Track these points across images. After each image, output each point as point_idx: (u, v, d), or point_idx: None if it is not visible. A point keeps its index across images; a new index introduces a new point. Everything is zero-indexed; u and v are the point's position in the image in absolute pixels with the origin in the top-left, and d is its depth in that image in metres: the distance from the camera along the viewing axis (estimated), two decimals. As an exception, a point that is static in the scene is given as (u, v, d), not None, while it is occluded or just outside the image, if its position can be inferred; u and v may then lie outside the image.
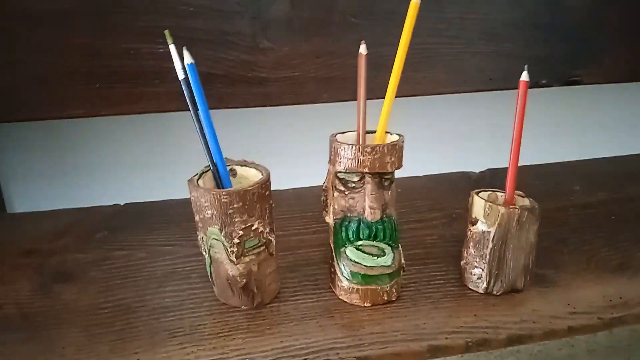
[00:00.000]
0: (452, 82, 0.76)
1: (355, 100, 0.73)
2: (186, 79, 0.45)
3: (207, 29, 0.66)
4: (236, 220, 0.43)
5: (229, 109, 0.70)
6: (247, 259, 0.44)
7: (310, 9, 0.68)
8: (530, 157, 0.74)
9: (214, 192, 0.42)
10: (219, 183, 0.46)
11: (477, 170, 0.78)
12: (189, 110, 0.45)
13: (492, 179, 0.74)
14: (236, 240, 0.43)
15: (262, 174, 0.46)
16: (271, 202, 0.45)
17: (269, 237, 0.45)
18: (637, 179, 0.73)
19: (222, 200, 0.42)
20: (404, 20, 0.70)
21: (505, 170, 0.77)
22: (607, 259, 0.53)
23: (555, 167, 0.77)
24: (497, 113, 0.89)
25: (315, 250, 0.56)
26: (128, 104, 0.67)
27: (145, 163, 0.79)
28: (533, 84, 0.78)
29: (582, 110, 0.90)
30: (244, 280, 0.45)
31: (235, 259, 0.44)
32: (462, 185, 0.72)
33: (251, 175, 0.48)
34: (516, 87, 0.78)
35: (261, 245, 0.45)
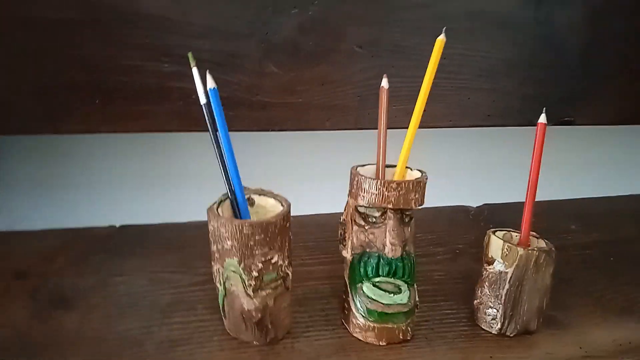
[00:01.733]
0: (450, 116, 0.77)
1: (357, 129, 0.74)
2: (208, 103, 0.44)
3: (213, 50, 0.65)
4: (256, 252, 0.41)
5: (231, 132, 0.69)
6: (264, 293, 0.43)
7: (318, 36, 0.68)
8: (524, 193, 0.75)
9: (236, 223, 0.41)
10: (237, 213, 0.44)
11: (472, 204, 0.78)
12: (209, 134, 0.44)
13: (490, 214, 0.75)
14: (255, 274, 0.42)
15: (282, 205, 0.45)
16: (290, 234, 0.44)
17: (287, 271, 0.44)
18: (631, 220, 0.75)
19: (244, 231, 0.41)
20: (409, 52, 0.72)
21: (503, 205, 0.79)
22: (613, 302, 0.54)
23: (549, 205, 0.79)
24: (492, 148, 0.91)
25: (323, 283, 0.55)
26: (128, 122, 0.65)
27: (140, 183, 0.77)
28: (527, 122, 0.81)
29: (575, 150, 0.93)
30: (259, 315, 0.43)
31: (252, 293, 0.43)
32: (460, 219, 0.73)
33: (269, 205, 0.47)
34: (512, 125, 0.81)
35: (279, 279, 0.44)
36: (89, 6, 0.59)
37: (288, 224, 0.43)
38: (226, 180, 0.44)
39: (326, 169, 0.82)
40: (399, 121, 0.72)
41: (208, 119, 0.44)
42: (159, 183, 0.77)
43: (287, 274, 0.44)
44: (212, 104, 0.44)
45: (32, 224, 0.66)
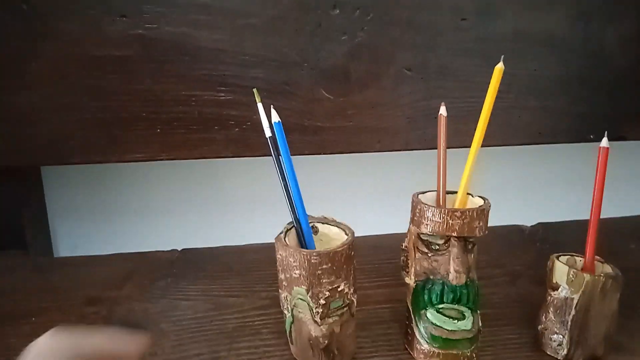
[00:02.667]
0: (500, 135, 0.76)
1: (407, 150, 0.75)
2: (273, 136, 0.45)
3: (267, 79, 0.67)
4: (324, 281, 0.43)
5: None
6: (330, 320, 0.44)
7: (368, 61, 0.69)
8: (580, 212, 0.74)
9: (305, 253, 0.42)
10: (303, 242, 0.46)
11: (526, 223, 0.78)
12: (274, 164, 0.45)
13: (545, 234, 0.74)
14: (322, 302, 0.43)
15: (346, 233, 0.46)
16: (355, 262, 0.45)
17: (352, 298, 0.45)
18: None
19: (312, 260, 0.42)
20: (456, 74, 0.72)
21: (558, 224, 0.78)
22: (679, 326, 0.53)
23: (607, 224, 0.77)
24: (543, 165, 0.90)
25: (383, 307, 0.55)
26: (187, 149, 0.68)
27: (198, 208, 0.79)
28: (580, 139, 0.80)
29: (629, 165, 0.91)
30: (326, 341, 0.44)
31: (319, 320, 0.44)
32: (515, 240, 0.72)
33: (332, 234, 0.48)
34: (562, 142, 0.80)
35: (345, 307, 0.45)
36: (147, 43, 0.62)
37: (353, 253, 0.44)
38: (292, 210, 0.46)
39: (376, 190, 0.83)
40: (449, 142, 0.73)
41: (273, 151, 0.45)
42: (216, 207, 0.79)
43: (352, 301, 0.45)
44: (276, 137, 0.45)
45: (90, 251, 0.69)
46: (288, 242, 0.45)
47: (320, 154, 0.72)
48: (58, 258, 0.73)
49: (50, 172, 0.76)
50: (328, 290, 0.43)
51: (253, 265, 0.63)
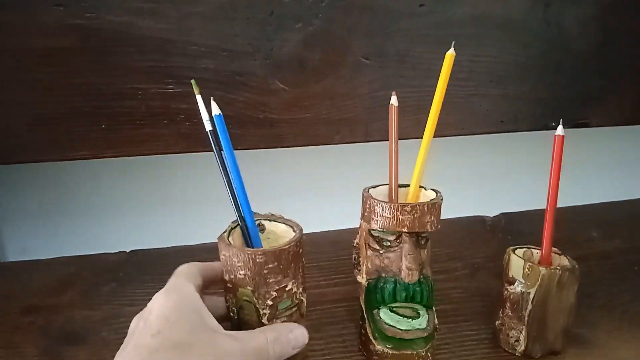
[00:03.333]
0: (462, 124, 0.75)
1: (367, 141, 0.73)
2: (214, 130, 0.42)
3: (218, 70, 0.64)
4: (270, 281, 0.40)
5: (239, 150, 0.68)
6: (279, 322, 0.42)
7: (323, 50, 0.67)
8: (544, 201, 0.73)
9: (249, 252, 0.39)
10: (249, 241, 0.43)
11: (487, 214, 0.76)
12: (216, 162, 0.43)
13: (507, 224, 0.73)
14: (269, 302, 0.41)
15: (294, 230, 0.44)
16: (304, 260, 0.43)
17: (301, 297, 0.43)
18: (653, 225, 0.72)
19: (257, 260, 0.39)
20: (416, 62, 0.70)
21: (520, 214, 0.77)
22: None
23: (568, 212, 0.76)
24: (504, 155, 0.89)
25: (338, 306, 0.53)
26: (134, 146, 0.64)
27: (148, 207, 0.76)
28: (542, 126, 0.79)
29: (591, 153, 0.91)
30: None
31: (267, 322, 0.41)
32: (477, 231, 0.71)
33: (280, 231, 0.45)
34: (526, 130, 0.79)
35: (294, 307, 0.42)
36: (86, 33, 0.58)
37: (301, 250, 0.42)
38: (236, 208, 0.43)
39: (336, 184, 0.81)
40: (409, 131, 0.70)
41: (215, 147, 0.42)
42: (167, 206, 0.76)
43: (302, 301, 0.43)
44: (218, 131, 0.42)
45: (40, 253, 0.66)
46: (232, 242, 0.42)
47: (276, 147, 0.69)
48: (1, 263, 0.69)
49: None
50: (275, 291, 0.41)
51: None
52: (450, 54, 0.43)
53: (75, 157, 0.63)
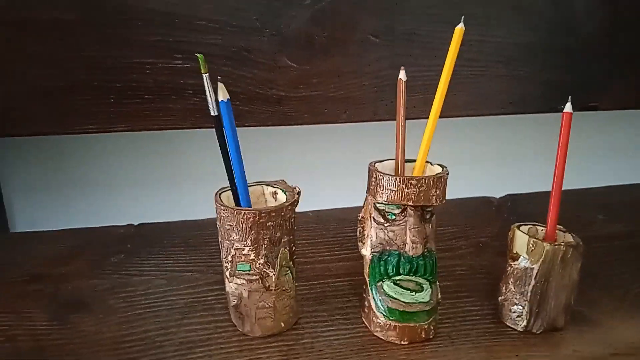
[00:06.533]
0: (471, 105, 0.75)
1: (374, 120, 0.73)
2: (219, 116, 0.41)
3: (225, 45, 0.64)
4: (231, 238, 0.42)
5: (247, 127, 0.68)
6: (238, 282, 0.43)
7: (331, 27, 0.66)
8: (549, 184, 0.73)
9: (218, 205, 0.42)
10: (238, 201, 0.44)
11: (494, 195, 0.77)
12: (219, 148, 0.42)
13: (513, 205, 0.73)
14: (229, 258, 0.43)
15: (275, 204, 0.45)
16: (269, 237, 0.42)
17: (265, 271, 0.43)
18: (658, 209, 0.72)
19: (222, 214, 0.42)
20: (424, 40, 0.70)
21: (527, 195, 0.77)
22: (642, 296, 0.52)
23: (574, 195, 0.76)
24: (513, 137, 0.89)
25: (342, 281, 0.54)
26: (142, 120, 0.64)
27: (156, 181, 0.76)
28: (550, 109, 0.78)
29: (599, 136, 0.90)
30: (235, 301, 0.44)
31: (228, 276, 0.43)
32: (483, 211, 0.71)
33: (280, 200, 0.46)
34: (534, 112, 0.79)
35: (254, 275, 0.43)
36: (91, 5, 0.58)
37: (270, 224, 0.41)
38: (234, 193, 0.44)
39: (345, 162, 0.81)
40: (417, 111, 0.70)
41: (217, 133, 0.42)
42: (176, 181, 0.76)
43: (267, 274, 0.43)
44: (222, 118, 0.41)
45: (49, 226, 0.67)
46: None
47: (283, 125, 0.69)
48: (10, 234, 0.70)
49: (4, 146, 0.73)
50: (235, 249, 0.42)
51: (211, 240, 0.61)
52: (460, 28, 0.43)
53: (81, 130, 0.63)
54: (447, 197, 0.81)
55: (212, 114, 0.41)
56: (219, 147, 0.42)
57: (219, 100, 0.40)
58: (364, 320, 0.47)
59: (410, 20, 0.67)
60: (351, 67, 0.68)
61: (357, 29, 0.67)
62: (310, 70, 0.67)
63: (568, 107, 0.46)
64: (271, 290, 0.44)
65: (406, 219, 0.43)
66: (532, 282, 0.45)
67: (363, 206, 0.47)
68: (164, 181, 0.77)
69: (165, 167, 0.76)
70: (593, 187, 0.80)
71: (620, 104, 0.80)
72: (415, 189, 0.42)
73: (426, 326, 0.44)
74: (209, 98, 0.40)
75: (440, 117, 0.80)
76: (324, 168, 0.83)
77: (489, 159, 0.88)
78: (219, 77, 0.40)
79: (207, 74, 0.40)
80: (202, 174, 0.76)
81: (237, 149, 0.42)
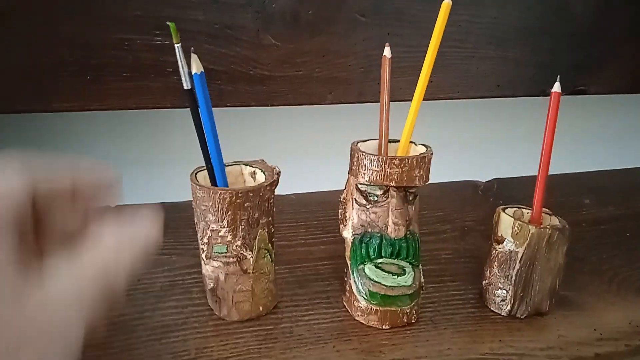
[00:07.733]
0: (458, 87, 0.73)
1: (361, 102, 0.71)
2: (192, 90, 0.39)
3: (208, 22, 0.62)
4: (207, 219, 0.41)
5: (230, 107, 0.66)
6: (215, 264, 0.42)
7: (317, 5, 0.64)
8: (536, 167, 0.73)
9: (193, 185, 0.41)
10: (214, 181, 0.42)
11: (481, 179, 0.75)
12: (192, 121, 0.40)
13: (500, 189, 0.72)
14: (205, 240, 0.41)
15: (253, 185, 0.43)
16: (247, 219, 0.40)
17: (242, 253, 0.41)
18: (647, 193, 0.72)
19: (198, 194, 0.40)
20: (413, 20, 0.68)
21: (514, 180, 0.76)
22: (629, 280, 0.52)
23: (562, 179, 0.76)
24: (501, 120, 0.87)
25: (324, 264, 0.53)
26: (120, 99, 0.62)
27: (134, 162, 0.74)
28: (539, 92, 0.77)
29: (588, 120, 0.89)
30: (212, 284, 0.43)
31: (205, 258, 0.42)
32: (469, 195, 0.70)
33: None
34: (523, 95, 0.77)
35: (231, 257, 0.41)
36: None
37: (248, 205, 0.40)
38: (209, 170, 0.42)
39: (329, 145, 0.79)
40: (403, 93, 0.68)
41: (191, 107, 0.40)
42: (155, 162, 0.74)
43: (244, 257, 0.42)
44: (196, 91, 0.38)
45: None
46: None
47: (267, 105, 0.68)
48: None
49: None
50: (211, 230, 0.41)
51: (190, 222, 0.59)
52: (447, 2, 0.41)
53: (60, 108, 0.61)
54: (433, 180, 0.79)
55: (185, 87, 0.39)
56: (193, 123, 0.40)
57: (193, 73, 0.38)
58: (345, 304, 0.46)
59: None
60: (337, 46, 0.66)
61: (343, 7, 0.65)
62: (295, 50, 0.65)
63: (556, 87, 0.44)
64: (249, 273, 0.42)
65: (388, 200, 0.42)
66: (517, 266, 0.44)
67: (345, 187, 0.46)
68: (142, 162, 0.75)
69: (143, 148, 0.74)
70: (581, 171, 0.80)
71: (609, 88, 0.79)
72: (398, 169, 0.40)
73: (408, 310, 0.43)
74: (181, 70, 0.38)
75: (427, 99, 0.78)
76: (308, 149, 0.81)
77: (476, 142, 0.87)
78: (192, 48, 0.37)
79: (180, 44, 0.37)
80: (181, 155, 0.74)
81: (213, 126, 0.40)
